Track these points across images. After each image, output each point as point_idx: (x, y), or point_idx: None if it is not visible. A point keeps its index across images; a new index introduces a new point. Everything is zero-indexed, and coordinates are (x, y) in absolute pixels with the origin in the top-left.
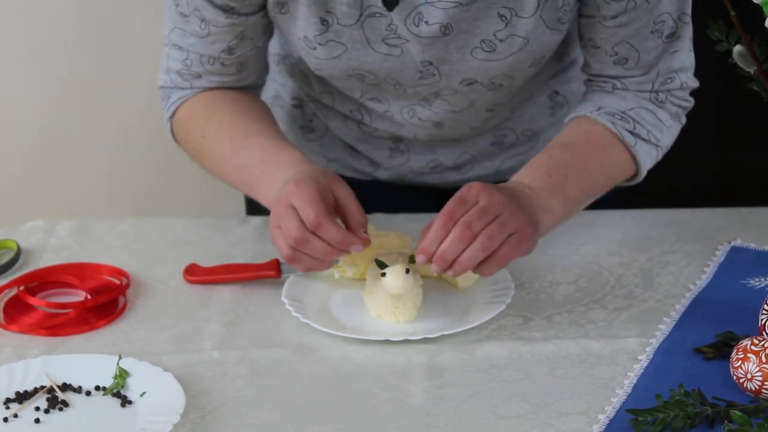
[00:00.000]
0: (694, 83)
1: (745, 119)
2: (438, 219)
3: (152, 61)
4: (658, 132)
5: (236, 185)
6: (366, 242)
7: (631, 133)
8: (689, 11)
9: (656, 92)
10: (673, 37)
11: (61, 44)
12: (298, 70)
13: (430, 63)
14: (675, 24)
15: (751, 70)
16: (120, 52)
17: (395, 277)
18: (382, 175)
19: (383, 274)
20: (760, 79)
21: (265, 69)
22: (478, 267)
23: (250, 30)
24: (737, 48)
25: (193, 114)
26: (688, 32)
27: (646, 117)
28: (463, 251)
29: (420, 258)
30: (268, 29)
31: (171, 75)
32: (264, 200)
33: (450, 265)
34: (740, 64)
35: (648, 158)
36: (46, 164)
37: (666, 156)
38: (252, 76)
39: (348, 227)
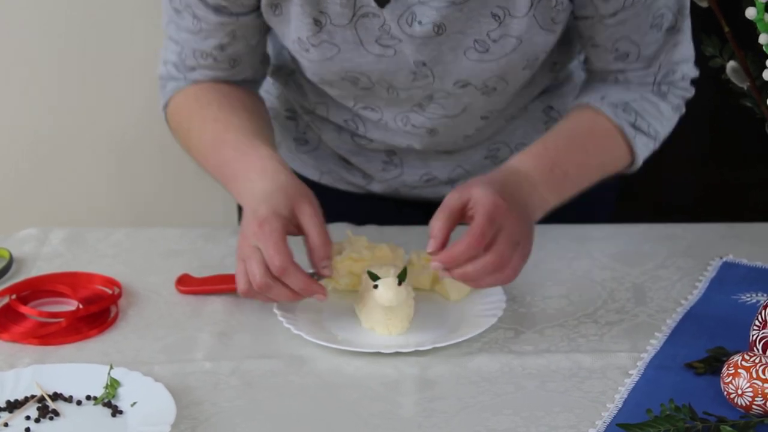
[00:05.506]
0: (695, 73)
1: (737, 135)
2: (469, 237)
3: (148, 69)
4: (658, 124)
5: (217, 180)
6: (324, 295)
7: (632, 125)
8: (688, 3)
9: (659, 84)
10: (674, 30)
11: (56, 51)
12: (292, 81)
13: (424, 64)
14: (674, 17)
15: (745, 86)
16: (116, 59)
17: (387, 289)
18: (375, 188)
19: (375, 286)
20: (753, 95)
21: (263, 63)
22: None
23: (242, 30)
24: (731, 64)
25: (183, 106)
26: (687, 24)
27: (648, 109)
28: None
29: (434, 265)
30: (263, 28)
31: (167, 66)
32: (239, 200)
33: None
34: (733, 79)
35: (645, 150)
36: (39, 172)
37: (659, 171)
38: (246, 71)
39: (310, 257)
